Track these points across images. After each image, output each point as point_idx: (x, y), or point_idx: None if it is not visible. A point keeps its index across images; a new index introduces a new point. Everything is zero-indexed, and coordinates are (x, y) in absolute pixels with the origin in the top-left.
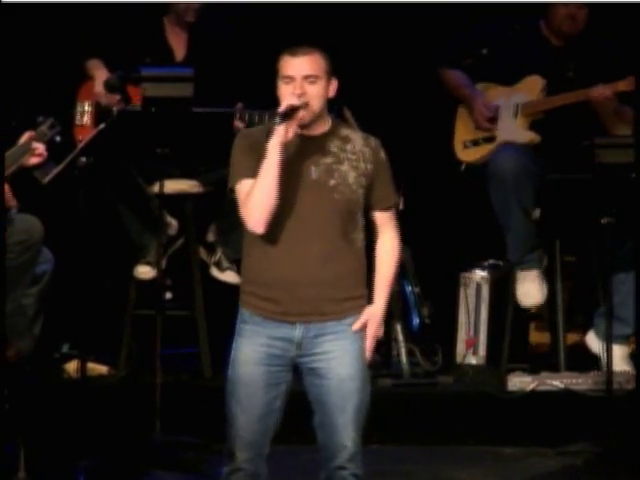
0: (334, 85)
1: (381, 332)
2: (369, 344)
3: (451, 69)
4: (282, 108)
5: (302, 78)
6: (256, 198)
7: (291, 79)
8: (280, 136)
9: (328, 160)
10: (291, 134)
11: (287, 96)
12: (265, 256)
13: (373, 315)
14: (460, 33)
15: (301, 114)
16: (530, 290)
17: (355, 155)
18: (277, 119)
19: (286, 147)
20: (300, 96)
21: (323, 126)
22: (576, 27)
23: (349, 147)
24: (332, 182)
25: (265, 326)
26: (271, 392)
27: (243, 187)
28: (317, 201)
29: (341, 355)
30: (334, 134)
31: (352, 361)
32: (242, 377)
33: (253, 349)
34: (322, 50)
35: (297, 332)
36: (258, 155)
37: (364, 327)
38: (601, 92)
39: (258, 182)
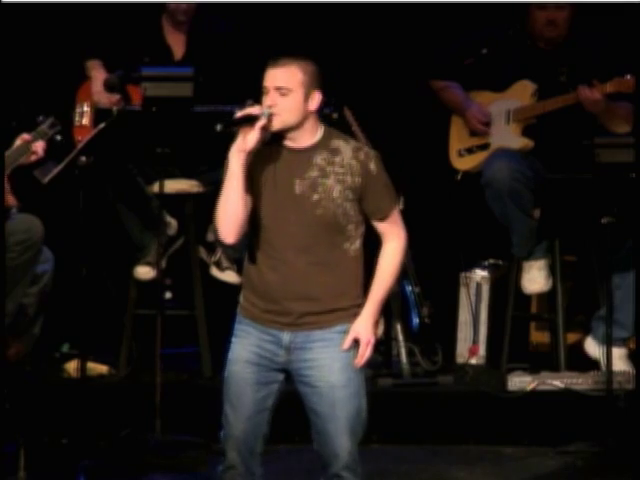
0: (316, 98)
1: (381, 331)
2: (362, 350)
3: (442, 79)
4: (236, 115)
5: (274, 89)
6: (220, 209)
7: (266, 89)
8: (237, 144)
9: (314, 174)
10: (252, 144)
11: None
12: (257, 267)
13: (358, 331)
14: (448, 42)
15: (262, 123)
16: (535, 276)
17: (343, 168)
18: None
19: (272, 160)
20: (269, 107)
21: (310, 139)
22: (558, 31)
23: (337, 160)
24: (315, 197)
25: (256, 327)
26: (261, 391)
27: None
28: (300, 216)
29: (330, 363)
30: (322, 146)
31: (342, 368)
32: (233, 375)
33: (244, 348)
34: (308, 61)
35: (285, 337)
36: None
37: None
38: (589, 95)
39: (223, 193)
